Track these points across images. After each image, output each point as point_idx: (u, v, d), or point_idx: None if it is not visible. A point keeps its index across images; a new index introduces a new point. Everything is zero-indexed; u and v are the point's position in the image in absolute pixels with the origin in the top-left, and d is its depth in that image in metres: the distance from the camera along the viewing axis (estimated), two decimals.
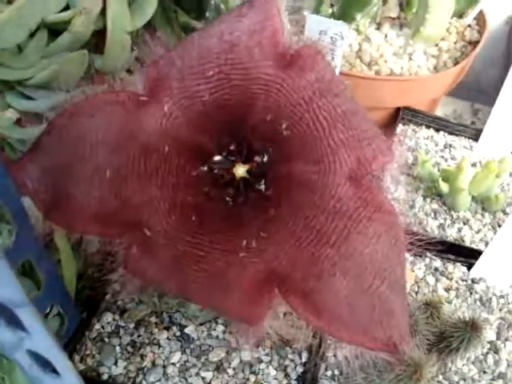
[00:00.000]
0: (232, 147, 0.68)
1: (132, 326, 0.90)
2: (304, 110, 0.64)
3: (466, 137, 1.37)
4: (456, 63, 1.39)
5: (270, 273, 0.62)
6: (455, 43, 1.44)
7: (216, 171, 0.67)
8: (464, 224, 1.19)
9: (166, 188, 0.65)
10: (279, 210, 0.64)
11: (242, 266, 0.62)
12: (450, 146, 1.37)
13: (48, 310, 0.86)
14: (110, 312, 0.94)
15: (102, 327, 0.93)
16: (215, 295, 0.63)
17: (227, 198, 0.67)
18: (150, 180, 0.64)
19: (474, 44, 1.45)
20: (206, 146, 0.67)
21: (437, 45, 1.42)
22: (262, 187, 0.67)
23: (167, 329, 0.91)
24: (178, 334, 0.92)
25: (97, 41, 0.85)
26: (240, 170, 0.67)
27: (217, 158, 0.68)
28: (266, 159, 0.67)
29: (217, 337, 0.92)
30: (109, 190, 0.64)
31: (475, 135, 1.37)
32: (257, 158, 0.67)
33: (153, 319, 0.93)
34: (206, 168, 0.67)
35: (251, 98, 0.65)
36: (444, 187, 1.14)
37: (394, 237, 0.67)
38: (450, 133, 1.37)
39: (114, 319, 0.93)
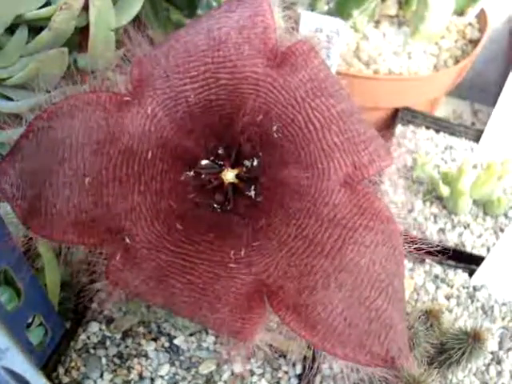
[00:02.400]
0: (220, 151, 0.65)
1: (119, 336, 0.89)
2: (296, 111, 0.60)
3: (466, 138, 1.32)
4: (457, 62, 1.36)
5: (261, 285, 0.60)
6: (456, 42, 1.41)
7: (203, 176, 0.64)
8: (465, 228, 1.16)
9: (149, 194, 0.62)
10: (270, 218, 0.61)
11: (231, 277, 0.60)
12: (451, 147, 1.33)
13: (30, 320, 0.83)
14: (96, 322, 0.92)
15: (88, 337, 0.90)
16: (203, 309, 0.60)
17: (215, 205, 0.64)
18: (133, 186, 0.62)
19: (474, 42, 1.42)
20: (192, 150, 0.64)
21: (437, 43, 1.39)
22: (252, 193, 0.64)
23: (155, 340, 0.89)
24: (167, 345, 0.89)
25: (80, 39, 0.81)
26: (228, 175, 0.64)
27: (204, 162, 0.65)
28: (256, 163, 0.64)
29: (207, 348, 0.89)
30: (89, 196, 0.61)
31: (476, 136, 1.34)
32: (246, 163, 0.65)
33: (140, 329, 0.91)
34: (192, 173, 0.64)
35: (240, 98, 0.62)
36: (444, 190, 1.11)
37: (393, 246, 0.63)
38: (451, 134, 1.33)
39: (100, 329, 0.91)
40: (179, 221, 0.62)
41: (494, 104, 1.29)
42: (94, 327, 0.89)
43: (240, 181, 0.64)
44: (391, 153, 0.65)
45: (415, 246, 0.67)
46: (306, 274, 0.59)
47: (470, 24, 1.46)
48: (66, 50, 0.71)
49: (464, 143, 1.31)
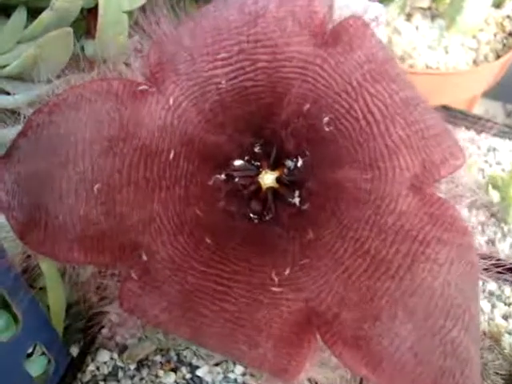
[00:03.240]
0: (257, 149, 0.59)
1: (133, 366, 0.81)
2: (352, 99, 0.53)
3: (510, 139, 1.21)
4: (498, 57, 1.25)
5: (311, 313, 0.53)
6: (495, 35, 1.31)
7: (236, 180, 0.59)
8: None
9: (171, 202, 0.56)
10: (320, 231, 0.55)
11: (274, 304, 0.53)
12: (494, 149, 1.21)
13: (31, 350, 0.75)
14: (106, 349, 0.83)
15: (98, 368, 0.81)
16: (239, 343, 0.53)
17: (251, 215, 0.59)
18: (152, 192, 0.55)
19: None
20: (223, 148, 0.58)
21: (474, 37, 1.28)
22: (297, 200, 0.58)
23: (175, 370, 0.80)
24: (189, 376, 0.80)
25: (88, 23, 0.73)
26: (267, 179, 0.58)
27: (237, 162, 0.59)
28: (301, 164, 0.58)
29: (235, 380, 0.80)
30: (98, 205, 0.55)
31: None
32: (289, 163, 0.59)
33: (158, 358, 0.82)
34: (223, 176, 0.59)
35: (282, 84, 0.55)
36: (494, 196, 0.99)
37: (469, 263, 0.54)
38: (494, 135, 1.22)
39: (111, 358, 0.82)
40: (208, 234, 0.56)
41: None
42: (104, 356, 0.81)
43: (281, 185, 0.58)
44: (464, 150, 0.55)
45: (489, 262, 0.59)
46: (368, 299, 0.51)
47: (508, 16, 1.36)
48: (71, 30, 0.62)
49: (509, 144, 1.19)
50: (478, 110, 1.63)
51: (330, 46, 0.54)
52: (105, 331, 0.85)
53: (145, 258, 0.54)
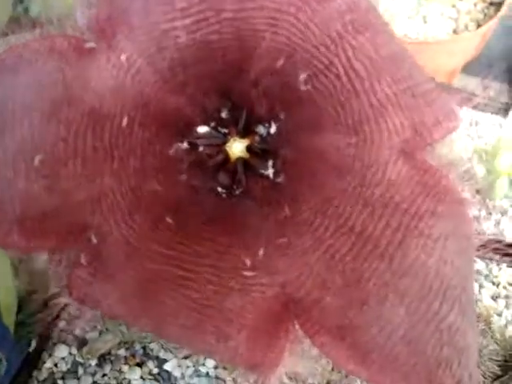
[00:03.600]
0: (223, 113, 0.55)
1: (94, 362, 0.79)
2: (331, 53, 0.48)
3: (492, 113, 1.19)
4: (478, 26, 1.23)
5: (288, 300, 0.49)
6: (475, 5, 1.29)
7: (201, 149, 0.54)
8: (502, 215, 1.02)
9: (125, 175, 0.52)
10: (298, 206, 0.51)
11: (246, 290, 0.49)
12: (476, 123, 1.20)
13: None
14: (64, 344, 0.80)
15: (55, 365, 0.79)
16: (207, 335, 0.49)
17: (219, 189, 0.54)
18: (102, 163, 0.51)
19: (496, 5, 1.28)
20: (185, 112, 0.54)
21: (454, 6, 1.27)
22: (270, 172, 0.54)
23: (140, 365, 0.79)
24: (156, 371, 0.78)
25: None
26: (236, 147, 0.53)
27: (201, 129, 0.54)
28: (274, 130, 0.54)
29: (207, 374, 0.78)
30: (40, 179, 0.50)
31: (504, 111, 1.19)
32: (261, 129, 0.54)
33: (121, 352, 0.79)
34: (185, 144, 0.54)
35: (251, 37, 0.50)
36: (479, 171, 0.95)
37: (465, 238, 0.51)
38: (475, 108, 1.18)
39: (70, 353, 0.80)
40: (169, 212, 0.52)
41: (504, 81, 1.20)
42: (62, 351, 0.79)
43: (252, 155, 0.54)
44: (457, 111, 0.52)
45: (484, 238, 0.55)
46: (354, 282, 0.48)
47: None
48: None
49: (491, 118, 1.18)
50: (457, 85, 1.61)
51: None
52: (62, 324, 0.82)
53: (95, 240, 0.50)
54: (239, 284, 0.49)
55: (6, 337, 0.71)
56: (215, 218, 0.52)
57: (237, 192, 0.53)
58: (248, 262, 0.49)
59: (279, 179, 0.53)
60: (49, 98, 0.51)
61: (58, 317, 0.81)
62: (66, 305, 0.58)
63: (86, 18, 0.55)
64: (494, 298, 0.89)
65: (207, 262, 0.50)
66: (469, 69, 1.51)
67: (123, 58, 0.50)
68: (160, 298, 0.49)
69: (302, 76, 0.49)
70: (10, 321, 0.72)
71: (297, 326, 0.49)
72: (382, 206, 0.48)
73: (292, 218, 0.50)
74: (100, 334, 0.80)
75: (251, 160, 0.53)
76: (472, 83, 1.61)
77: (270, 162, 0.53)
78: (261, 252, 0.49)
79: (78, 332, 0.81)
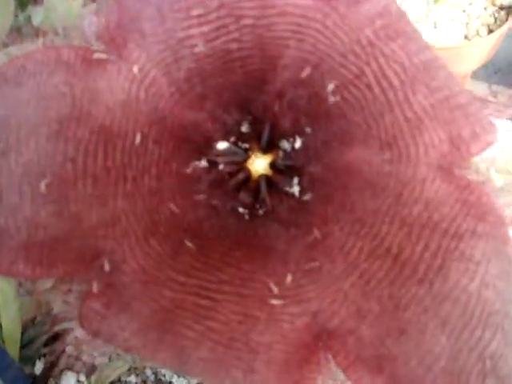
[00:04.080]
0: (244, 128, 0.52)
1: None
2: (362, 62, 0.47)
3: (507, 118, 1.18)
4: (490, 31, 1.22)
5: (320, 330, 0.47)
6: (485, 9, 1.27)
7: (221, 167, 0.52)
8: None
9: (139, 197, 0.49)
10: (328, 227, 0.49)
11: (274, 320, 0.47)
12: None
13: None
14: (71, 371, 0.78)
15: None
16: (232, 369, 0.46)
17: (241, 210, 0.52)
18: (115, 185, 0.49)
19: (506, 10, 1.28)
20: (203, 127, 0.52)
21: (464, 11, 1.26)
22: (296, 190, 0.52)
23: None
24: None
25: None
26: (258, 164, 0.52)
27: (221, 145, 0.52)
28: (299, 145, 0.51)
29: None
30: (48, 204, 0.48)
31: None
32: (285, 144, 0.52)
33: (132, 379, 0.76)
34: (204, 162, 0.52)
35: (274, 45, 0.49)
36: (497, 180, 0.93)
37: (506, 259, 0.48)
38: (489, 115, 1.17)
39: (78, 381, 0.77)
40: (189, 236, 0.50)
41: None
42: (69, 378, 0.77)
43: (276, 172, 0.52)
44: (494, 124, 0.49)
45: None
46: (391, 309, 0.45)
47: None
48: None
49: (505, 124, 1.16)
50: None
51: None
52: (69, 349, 0.80)
53: (108, 268, 0.47)
54: (266, 313, 0.47)
55: (10, 364, 0.68)
56: (238, 242, 0.50)
57: (260, 212, 0.51)
58: (275, 290, 0.47)
59: (306, 197, 0.51)
60: (55, 114, 0.49)
61: (63, 338, 0.78)
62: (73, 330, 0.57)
63: (94, 26, 0.53)
64: None
65: (230, 290, 0.48)
66: (475, 74, 1.50)
67: (135, 69, 0.48)
68: (180, 330, 0.46)
69: (330, 87, 0.48)
70: (13, 346, 0.70)
71: (330, 358, 0.46)
72: (420, 226, 0.46)
73: (322, 240, 0.48)
74: (109, 359, 0.77)
75: (275, 177, 0.51)
76: (479, 88, 1.60)
77: (296, 180, 0.51)
78: (289, 278, 0.47)
79: (86, 358, 0.79)
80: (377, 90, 0.46)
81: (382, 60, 0.46)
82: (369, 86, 0.46)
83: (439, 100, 0.46)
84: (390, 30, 0.46)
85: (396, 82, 0.46)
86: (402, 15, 0.48)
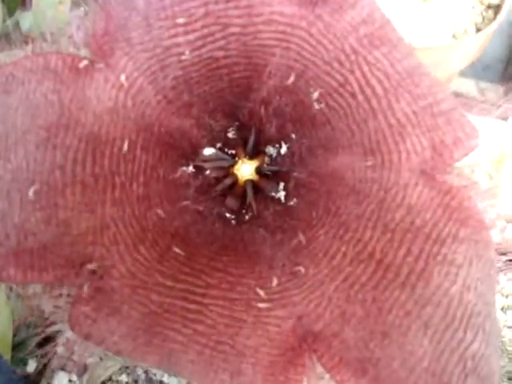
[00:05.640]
0: (231, 134, 0.53)
1: None
2: (346, 70, 0.47)
3: (495, 117, 1.17)
4: (478, 30, 1.21)
5: (306, 333, 0.47)
6: (473, 7, 1.26)
7: (207, 172, 0.53)
8: (507, 223, 0.99)
9: (128, 204, 0.49)
10: (313, 232, 0.49)
11: (260, 323, 0.47)
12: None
13: None
14: (63, 371, 0.78)
15: None
16: (219, 371, 0.47)
17: (227, 215, 0.53)
18: (103, 192, 0.49)
19: (494, 8, 1.27)
20: (189, 134, 0.52)
21: (452, 9, 1.24)
22: (282, 195, 0.52)
23: None
24: None
25: None
26: (245, 170, 0.52)
27: (208, 151, 0.53)
28: (285, 151, 0.52)
29: None
30: (37, 211, 0.48)
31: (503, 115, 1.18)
32: (270, 150, 0.53)
33: (123, 378, 0.77)
34: (190, 168, 0.53)
35: (260, 53, 0.49)
36: (483, 178, 0.94)
37: (487, 262, 0.49)
38: (475, 113, 1.17)
39: (70, 381, 0.77)
40: (176, 242, 0.50)
41: (500, 82, 1.18)
42: (61, 379, 0.77)
43: (262, 177, 0.53)
44: (476, 129, 0.50)
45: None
46: (375, 312, 0.46)
47: None
48: None
49: (490, 122, 1.15)
50: (452, 88, 1.60)
51: (317, 5, 0.48)
52: (61, 350, 0.78)
53: (97, 273, 0.47)
54: (253, 317, 0.47)
55: (2, 366, 0.68)
56: (225, 247, 0.50)
57: (246, 217, 0.52)
58: (261, 293, 0.47)
59: (291, 203, 0.52)
60: (44, 121, 0.49)
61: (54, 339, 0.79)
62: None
63: (82, 31, 0.53)
64: (504, 310, 0.86)
65: (218, 294, 0.48)
66: (463, 71, 1.50)
67: (123, 77, 0.49)
68: (168, 334, 0.46)
69: (315, 94, 0.48)
70: (6, 349, 0.70)
71: (315, 360, 0.46)
72: (403, 231, 0.46)
73: (307, 245, 0.49)
74: (101, 359, 0.77)
75: (261, 182, 0.52)
76: (466, 85, 1.60)
77: (281, 185, 0.52)
78: (275, 282, 0.47)
79: (77, 357, 0.77)
80: (360, 97, 0.46)
81: (365, 68, 0.47)
82: (353, 94, 0.47)
83: (422, 107, 0.47)
84: (374, 38, 0.47)
85: (379, 90, 0.46)
86: (385, 22, 0.49)
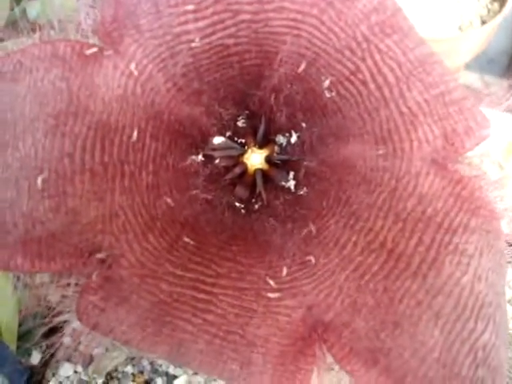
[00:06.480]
0: (241, 123, 0.53)
1: (101, 380, 0.76)
2: (357, 58, 0.46)
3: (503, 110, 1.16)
4: (483, 22, 1.20)
5: (316, 322, 0.46)
6: (478, 0, 1.25)
7: (217, 161, 0.52)
8: None
9: (137, 192, 0.49)
10: (324, 221, 0.49)
11: (270, 313, 0.46)
12: None
13: None
14: (69, 362, 0.77)
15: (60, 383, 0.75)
16: (229, 361, 0.46)
17: (237, 204, 0.52)
18: (112, 180, 0.48)
19: (499, 1, 1.27)
20: (199, 122, 0.52)
21: (458, 1, 1.22)
22: (292, 184, 0.53)
23: (149, 382, 0.76)
24: None
25: None
26: (254, 159, 0.52)
27: (217, 140, 0.52)
28: (295, 140, 0.53)
29: None
30: (45, 199, 0.47)
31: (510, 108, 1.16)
32: (280, 139, 0.52)
33: (129, 369, 0.76)
34: (200, 157, 0.52)
35: (271, 41, 0.48)
36: (491, 169, 0.93)
37: (498, 252, 0.49)
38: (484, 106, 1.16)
39: (75, 372, 0.76)
40: (185, 231, 0.49)
41: (505, 76, 1.16)
42: (66, 370, 0.76)
43: (272, 166, 0.52)
44: (487, 118, 0.50)
45: None
46: (386, 302, 0.45)
47: None
48: None
49: (497, 115, 1.14)
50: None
51: None
52: (67, 340, 0.77)
53: (106, 263, 0.47)
54: (262, 306, 0.46)
55: (8, 357, 0.68)
56: (235, 236, 0.50)
57: (256, 206, 0.51)
58: (271, 283, 0.47)
59: (301, 192, 0.51)
60: (52, 109, 0.48)
61: (61, 329, 0.79)
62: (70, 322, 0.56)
63: (91, 19, 0.52)
64: (511, 302, 0.86)
65: (227, 284, 0.47)
66: (468, 64, 1.50)
67: (132, 64, 0.48)
68: (178, 323, 0.46)
69: (326, 82, 0.48)
70: (11, 339, 0.70)
71: (325, 350, 0.46)
72: (414, 220, 0.46)
73: (317, 234, 0.48)
74: (106, 350, 0.76)
75: (270, 172, 0.51)
76: (472, 79, 1.59)
77: (291, 174, 0.51)
78: (285, 272, 0.47)
79: (83, 348, 0.78)
80: (372, 86, 0.46)
81: (377, 56, 0.46)
82: (364, 82, 0.46)
83: (434, 96, 0.46)
84: (386, 26, 0.46)
85: (391, 79, 0.46)
86: (397, 11, 0.48)
